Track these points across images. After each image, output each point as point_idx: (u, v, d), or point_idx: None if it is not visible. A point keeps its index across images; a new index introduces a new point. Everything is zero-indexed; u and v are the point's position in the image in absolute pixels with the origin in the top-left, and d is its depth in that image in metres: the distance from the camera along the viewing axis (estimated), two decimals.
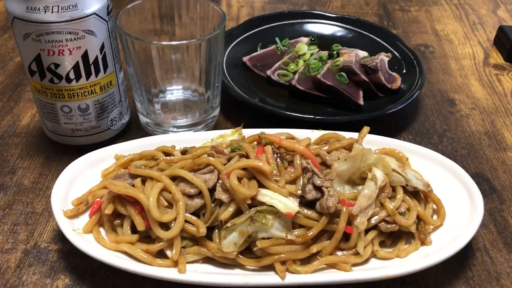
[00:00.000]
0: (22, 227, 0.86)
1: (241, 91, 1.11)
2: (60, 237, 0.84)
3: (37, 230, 0.86)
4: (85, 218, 0.81)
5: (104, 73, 0.94)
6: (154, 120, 1.06)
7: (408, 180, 0.83)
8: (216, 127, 1.11)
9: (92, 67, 0.92)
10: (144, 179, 0.81)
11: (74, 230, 0.77)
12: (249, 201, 0.74)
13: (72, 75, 0.90)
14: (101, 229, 0.80)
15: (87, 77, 0.92)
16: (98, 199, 0.83)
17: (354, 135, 0.94)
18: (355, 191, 0.82)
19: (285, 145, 0.83)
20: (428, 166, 0.92)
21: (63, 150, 1.02)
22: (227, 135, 0.96)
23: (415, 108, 1.17)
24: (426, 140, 1.09)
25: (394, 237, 0.81)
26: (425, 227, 0.81)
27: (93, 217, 0.79)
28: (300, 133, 0.96)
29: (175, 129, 1.06)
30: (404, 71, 1.20)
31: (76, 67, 0.90)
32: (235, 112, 1.14)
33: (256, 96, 1.14)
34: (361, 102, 1.10)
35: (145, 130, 1.08)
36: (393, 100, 1.11)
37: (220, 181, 0.78)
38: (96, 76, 0.93)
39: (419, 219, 0.82)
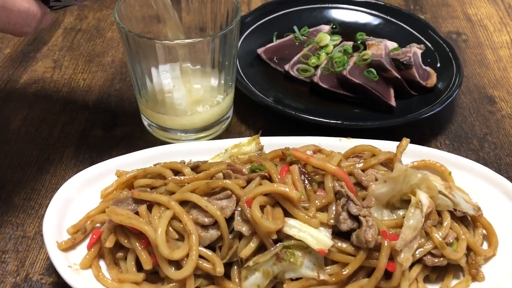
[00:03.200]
0: (12, 255, 0.76)
1: (256, 90, 0.99)
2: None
3: (29, 258, 0.75)
4: (83, 249, 0.70)
5: None
6: (159, 124, 0.94)
7: (457, 204, 0.71)
8: (229, 130, 0.99)
9: None
10: (150, 204, 0.69)
11: (70, 266, 0.66)
12: (275, 236, 0.63)
13: None
14: (102, 263, 0.69)
15: None
16: (97, 225, 0.73)
17: (389, 144, 0.82)
18: (394, 216, 0.70)
19: (314, 164, 0.71)
20: (473, 181, 0.80)
21: (58, 159, 0.91)
22: (243, 145, 0.84)
23: (450, 107, 1.05)
24: (466, 146, 0.97)
25: (439, 270, 0.70)
26: (476, 258, 0.70)
27: (92, 249, 0.69)
28: (326, 142, 0.84)
29: (183, 134, 0.94)
30: (439, 65, 1.07)
31: None
32: (249, 113, 1.02)
33: (273, 94, 1.01)
34: (393, 103, 0.97)
35: (150, 133, 0.96)
36: (428, 100, 0.98)
37: (239, 209, 0.66)
38: None
39: (468, 249, 0.70)
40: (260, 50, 1.11)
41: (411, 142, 0.83)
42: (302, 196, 0.67)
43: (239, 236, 0.66)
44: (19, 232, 0.79)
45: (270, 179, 0.69)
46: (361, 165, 0.74)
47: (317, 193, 0.69)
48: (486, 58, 1.20)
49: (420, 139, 0.97)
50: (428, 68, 1.05)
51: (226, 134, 0.98)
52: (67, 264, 0.66)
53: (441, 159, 0.82)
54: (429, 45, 1.12)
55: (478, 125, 1.01)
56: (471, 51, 1.22)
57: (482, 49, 1.23)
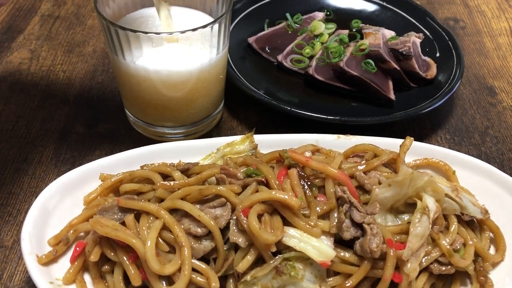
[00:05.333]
0: None
1: (248, 82, 0.93)
2: None
3: (7, 270, 0.70)
4: (65, 263, 0.65)
5: None
6: (145, 120, 0.88)
7: (464, 207, 0.68)
8: (219, 126, 0.93)
9: None
10: (138, 213, 0.64)
11: (52, 282, 0.61)
12: (274, 249, 0.59)
13: None
14: (87, 276, 0.64)
15: None
16: (81, 234, 0.67)
17: (390, 141, 0.78)
18: (399, 221, 0.67)
19: (314, 167, 0.66)
20: (477, 180, 0.76)
21: (37, 160, 0.85)
22: (236, 143, 0.79)
23: (450, 99, 1.00)
24: (467, 140, 0.93)
25: (445, 277, 0.67)
26: (484, 265, 0.66)
27: (76, 263, 0.64)
28: (323, 139, 0.79)
29: (170, 131, 0.88)
30: (438, 54, 1.03)
31: None
32: (241, 107, 0.97)
33: (266, 87, 0.96)
34: (393, 96, 0.92)
35: (135, 130, 0.90)
36: (428, 93, 0.94)
37: (235, 217, 0.62)
38: None
39: (476, 254, 0.67)
40: (251, 39, 1.05)
41: (410, 137, 0.79)
42: (302, 203, 0.62)
43: (235, 247, 0.61)
44: None
45: (267, 184, 0.65)
46: (363, 167, 0.69)
47: (317, 199, 0.65)
48: (485, 46, 1.16)
49: (420, 134, 0.93)
50: (427, 59, 1.00)
51: (216, 130, 0.92)
52: (49, 280, 0.61)
53: (444, 156, 0.78)
54: (428, 33, 1.07)
55: (479, 118, 0.97)
56: (469, 39, 1.18)
57: (480, 36, 1.19)
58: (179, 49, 0.78)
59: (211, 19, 0.83)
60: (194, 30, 0.73)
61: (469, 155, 0.80)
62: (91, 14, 1.18)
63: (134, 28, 0.72)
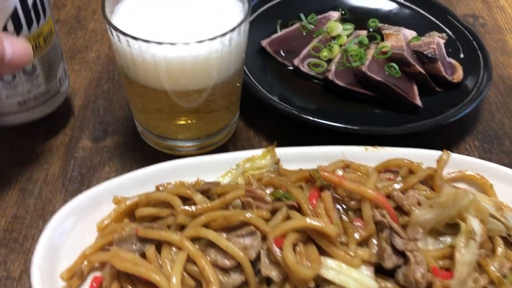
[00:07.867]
0: None
1: (264, 89, 0.87)
2: None
3: None
4: None
5: (44, 18, 0.74)
6: (155, 132, 0.82)
7: (510, 228, 0.63)
8: (235, 136, 0.88)
9: (32, 11, 0.71)
10: (158, 242, 0.59)
11: None
12: (312, 284, 0.54)
13: (10, 26, 0.69)
14: None
15: (29, 27, 0.72)
16: (96, 265, 0.62)
17: (421, 152, 0.73)
18: (440, 245, 0.62)
19: (349, 188, 0.61)
20: None
21: (43, 179, 0.79)
22: (257, 158, 0.74)
23: None
24: (497, 148, 0.88)
25: None
26: None
27: None
28: (350, 151, 0.74)
29: (182, 143, 0.83)
30: (462, 55, 0.97)
31: (14, 15, 0.69)
32: (256, 116, 0.91)
33: (282, 93, 0.90)
34: (419, 102, 0.87)
35: (146, 143, 0.85)
36: (455, 97, 0.89)
37: (265, 247, 0.56)
38: (38, 23, 0.73)
39: None
40: (264, 42, 0.99)
41: (437, 145, 0.74)
42: (339, 230, 0.57)
43: (267, 280, 0.56)
44: (2, 272, 0.67)
45: (298, 209, 0.59)
46: (400, 185, 0.64)
47: (353, 223, 0.59)
48: (508, 44, 1.10)
49: (448, 141, 0.88)
50: (452, 61, 0.95)
51: (232, 141, 0.87)
52: None
53: (478, 168, 0.74)
54: (450, 33, 1.02)
55: (509, 123, 0.92)
56: (491, 37, 1.12)
57: (502, 34, 1.13)
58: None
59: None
60: (212, 39, 0.67)
61: (501, 164, 0.75)
62: (93, 16, 1.11)
63: None
